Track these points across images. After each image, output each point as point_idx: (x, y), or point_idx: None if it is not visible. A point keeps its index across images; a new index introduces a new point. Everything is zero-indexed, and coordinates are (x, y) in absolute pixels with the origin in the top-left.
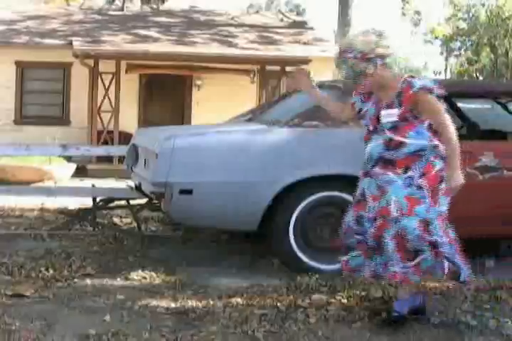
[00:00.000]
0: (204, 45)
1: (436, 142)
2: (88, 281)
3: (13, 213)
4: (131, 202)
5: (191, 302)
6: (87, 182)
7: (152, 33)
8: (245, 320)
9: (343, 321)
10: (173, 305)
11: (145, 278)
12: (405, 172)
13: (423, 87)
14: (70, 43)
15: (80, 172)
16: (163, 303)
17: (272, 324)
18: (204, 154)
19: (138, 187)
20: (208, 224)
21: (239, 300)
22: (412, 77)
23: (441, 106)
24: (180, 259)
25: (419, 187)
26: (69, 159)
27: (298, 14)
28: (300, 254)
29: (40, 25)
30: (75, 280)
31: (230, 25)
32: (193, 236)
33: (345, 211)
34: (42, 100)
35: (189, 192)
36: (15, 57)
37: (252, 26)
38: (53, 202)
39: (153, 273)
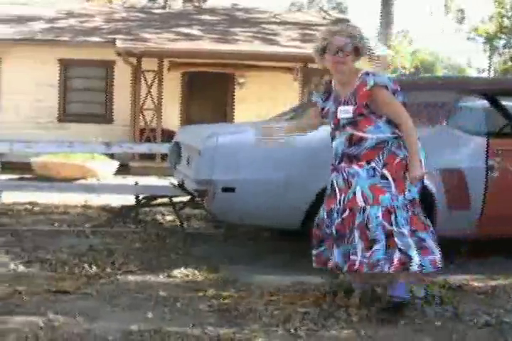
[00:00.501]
0: (246, 43)
1: (399, 133)
2: (131, 278)
3: (57, 210)
4: (174, 199)
5: (233, 300)
6: (129, 180)
7: (195, 31)
8: (287, 318)
9: (385, 320)
10: (215, 302)
11: (187, 275)
12: (368, 163)
13: (377, 83)
14: (113, 41)
15: (123, 169)
16: (206, 301)
17: (314, 322)
18: (247, 152)
19: (181, 185)
20: (251, 221)
21: (281, 298)
22: (367, 73)
23: (396, 100)
24: (222, 257)
25: (383, 177)
26: (112, 156)
27: (340, 12)
28: None
29: (83, 23)
30: (118, 277)
31: (272, 23)
32: (235, 233)
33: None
34: (85, 98)
35: (232, 189)
36: (58, 55)
37: (294, 24)
38: (96, 199)
39: (195, 271)
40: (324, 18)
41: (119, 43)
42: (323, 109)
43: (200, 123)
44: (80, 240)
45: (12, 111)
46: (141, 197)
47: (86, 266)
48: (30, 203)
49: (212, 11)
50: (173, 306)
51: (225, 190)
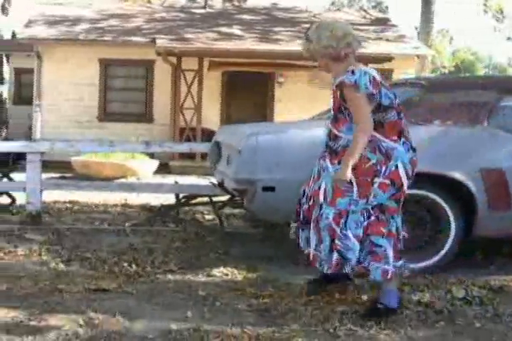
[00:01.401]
0: (287, 43)
1: (374, 136)
2: (170, 277)
3: (97, 209)
4: (214, 198)
5: (273, 300)
6: (169, 179)
7: (235, 30)
8: (327, 318)
9: (425, 321)
10: (254, 302)
11: (227, 274)
12: (339, 163)
13: (343, 82)
14: (153, 41)
15: (163, 168)
16: (245, 300)
17: (353, 322)
18: (287, 151)
19: (220, 184)
20: (290, 221)
21: (320, 298)
22: (348, 71)
23: (360, 102)
24: (261, 256)
25: (348, 181)
26: (152, 156)
27: (380, 11)
28: None
29: (122, 23)
30: (158, 276)
31: (313, 22)
32: (274, 233)
33: (431, 211)
34: (125, 97)
35: (272, 189)
36: (99, 55)
37: None
38: (136, 199)
39: (234, 270)
40: (364, 18)
41: (159, 43)
42: None
43: (239, 122)
44: (120, 239)
45: (53, 111)
46: (180, 196)
47: (126, 264)
48: (70, 202)
49: (252, 11)
50: (212, 305)
51: (265, 189)
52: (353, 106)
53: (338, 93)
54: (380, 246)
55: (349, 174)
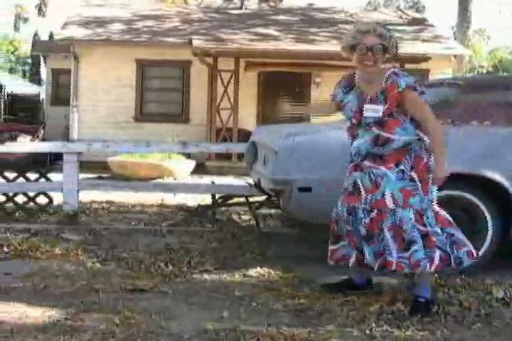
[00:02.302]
0: (323, 43)
1: (421, 135)
2: (207, 277)
3: (134, 209)
4: (250, 199)
5: (309, 300)
6: (206, 179)
7: (271, 31)
8: (363, 319)
9: (461, 322)
10: (290, 302)
11: (263, 275)
12: (397, 166)
13: (408, 86)
14: (190, 42)
15: (199, 169)
16: (281, 300)
17: (389, 323)
18: (323, 151)
19: (257, 185)
20: (327, 221)
21: (356, 298)
22: (396, 73)
23: (425, 102)
24: (298, 257)
25: (412, 180)
26: (188, 156)
27: (417, 11)
28: None
29: (159, 24)
30: (194, 276)
31: (349, 22)
32: (310, 233)
33: (468, 211)
34: (161, 98)
35: (308, 189)
36: (135, 56)
37: None
38: (173, 199)
39: (271, 271)
40: (401, 18)
41: (196, 43)
42: (341, 101)
43: (276, 123)
44: (157, 239)
45: (90, 111)
46: (217, 196)
47: (162, 264)
48: (107, 202)
49: (288, 11)
50: (248, 305)
51: (302, 189)
52: (419, 106)
53: (396, 96)
54: (453, 234)
55: (446, 170)
